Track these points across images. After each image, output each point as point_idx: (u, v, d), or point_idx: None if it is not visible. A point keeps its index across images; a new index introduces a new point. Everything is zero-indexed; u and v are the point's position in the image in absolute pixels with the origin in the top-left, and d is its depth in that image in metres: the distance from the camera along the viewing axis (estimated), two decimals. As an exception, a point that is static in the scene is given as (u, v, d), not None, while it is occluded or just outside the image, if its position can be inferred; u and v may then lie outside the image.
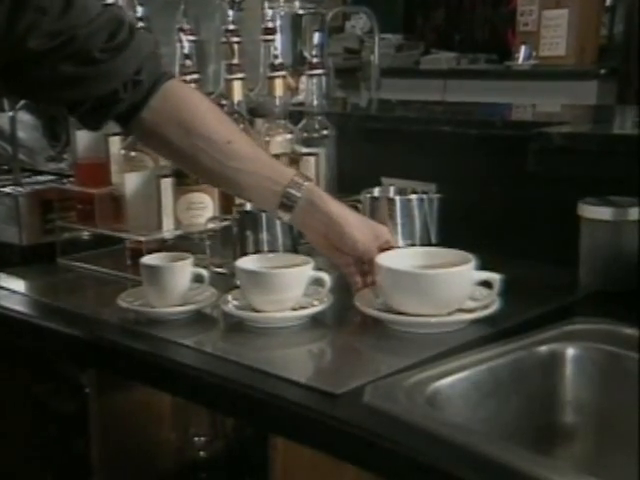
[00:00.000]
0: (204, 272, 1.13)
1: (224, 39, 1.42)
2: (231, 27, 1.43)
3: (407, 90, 3.11)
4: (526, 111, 1.83)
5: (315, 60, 1.42)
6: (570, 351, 0.99)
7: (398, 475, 0.78)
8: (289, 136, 1.41)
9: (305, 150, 1.40)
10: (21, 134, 1.66)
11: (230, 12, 1.45)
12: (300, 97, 1.67)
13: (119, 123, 1.10)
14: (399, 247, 1.16)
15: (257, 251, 1.20)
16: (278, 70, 1.40)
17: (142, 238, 1.27)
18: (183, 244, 1.29)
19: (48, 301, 1.24)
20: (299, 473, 0.91)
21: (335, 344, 1.08)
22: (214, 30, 1.57)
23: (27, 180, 1.55)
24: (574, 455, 0.99)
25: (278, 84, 1.40)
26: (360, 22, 4.09)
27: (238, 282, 1.11)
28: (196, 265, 1.13)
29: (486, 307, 1.05)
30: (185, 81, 1.30)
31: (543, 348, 0.99)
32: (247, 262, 1.11)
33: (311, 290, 1.10)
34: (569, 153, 1.24)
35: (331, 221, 1.07)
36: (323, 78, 1.45)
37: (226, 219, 1.28)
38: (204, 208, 1.32)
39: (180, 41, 1.39)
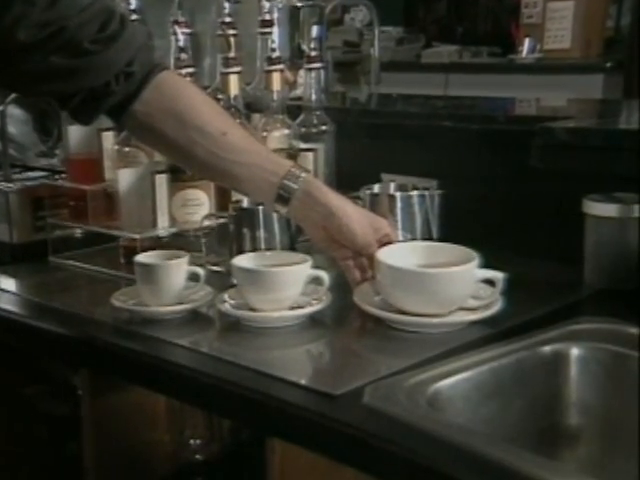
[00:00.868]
0: (200, 270, 1.13)
1: (220, 32, 1.41)
2: (227, 19, 1.43)
3: (408, 84, 3.09)
4: (529, 106, 1.84)
5: (313, 53, 1.41)
6: (575, 351, 0.99)
7: (398, 477, 0.78)
8: (287, 131, 1.40)
9: (303, 146, 1.39)
10: (11, 129, 1.65)
11: (226, 4, 1.44)
12: (298, 91, 1.66)
13: (111, 117, 1.08)
14: (399, 241, 1.14)
15: (254, 249, 1.19)
16: (275, 64, 1.39)
17: (136, 236, 1.27)
18: (178, 242, 1.29)
19: (39, 300, 1.23)
20: (297, 476, 0.90)
21: (334, 344, 1.07)
22: (210, 23, 1.57)
23: (17, 176, 1.53)
24: (578, 458, 0.99)
25: (276, 78, 1.39)
26: (360, 14, 4.08)
27: (235, 281, 1.10)
28: (192, 263, 1.13)
29: (488, 307, 1.04)
30: (180, 75, 1.28)
31: (547, 348, 0.98)
32: (244, 260, 1.10)
33: (309, 289, 1.10)
34: (573, 149, 1.24)
35: (329, 213, 1.06)
36: (322, 72, 1.43)
37: (222, 216, 1.28)
38: (200, 205, 1.31)
39: (175, 34, 1.38)
